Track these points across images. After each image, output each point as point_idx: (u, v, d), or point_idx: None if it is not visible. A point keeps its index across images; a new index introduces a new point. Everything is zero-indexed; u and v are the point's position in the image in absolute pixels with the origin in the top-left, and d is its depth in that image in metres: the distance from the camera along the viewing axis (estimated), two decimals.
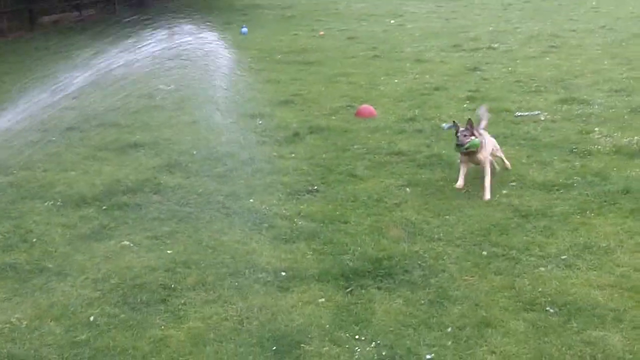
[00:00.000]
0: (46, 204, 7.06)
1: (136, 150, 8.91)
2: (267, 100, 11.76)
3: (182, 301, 5.04)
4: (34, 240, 6.18)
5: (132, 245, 6.01)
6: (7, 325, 4.78)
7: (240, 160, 8.34)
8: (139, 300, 5.05)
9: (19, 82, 14.30)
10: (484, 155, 6.92)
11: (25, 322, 4.82)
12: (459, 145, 6.81)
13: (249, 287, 5.22)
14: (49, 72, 15.75)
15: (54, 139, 9.61)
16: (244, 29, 21.77)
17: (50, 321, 4.83)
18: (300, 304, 4.96)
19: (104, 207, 6.88)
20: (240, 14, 25.62)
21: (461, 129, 6.81)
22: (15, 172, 8.11)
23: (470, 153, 6.87)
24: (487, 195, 6.77)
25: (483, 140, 6.91)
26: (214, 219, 6.56)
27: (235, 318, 4.80)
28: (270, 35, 21.02)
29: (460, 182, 6.90)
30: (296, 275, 5.36)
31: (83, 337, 4.60)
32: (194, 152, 8.70)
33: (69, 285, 5.33)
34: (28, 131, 10.02)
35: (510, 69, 13.75)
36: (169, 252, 5.86)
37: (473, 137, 6.77)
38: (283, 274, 5.40)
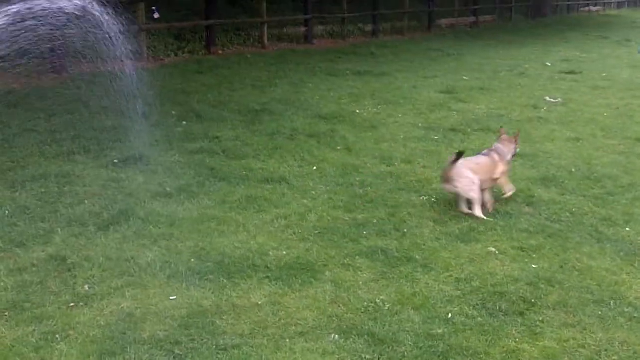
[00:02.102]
0: (421, 198, 7.40)
1: (513, 160, 8.89)
2: None
3: (540, 318, 4.94)
4: (406, 230, 6.53)
5: (497, 252, 6.05)
6: (372, 305, 5.12)
7: (620, 185, 7.90)
8: (497, 307, 5.07)
9: (411, 79, 15.24)
10: None
11: (388, 305, 5.12)
12: None
13: (613, 319, 4.94)
14: (439, 73, 16.51)
15: (436, 137, 10.04)
16: None
17: (411, 309, 5.06)
18: None
19: None
20: None
21: None
22: (396, 164, 8.63)
23: None
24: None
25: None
26: (584, 241, 6.31)
27: (593, 347, 4.59)
28: None
29: None
30: None
31: (439, 331, 4.76)
32: (573, 170, 8.44)
33: (432, 279, 5.54)
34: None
35: None
36: (533, 266, 5.78)
37: None
38: None
